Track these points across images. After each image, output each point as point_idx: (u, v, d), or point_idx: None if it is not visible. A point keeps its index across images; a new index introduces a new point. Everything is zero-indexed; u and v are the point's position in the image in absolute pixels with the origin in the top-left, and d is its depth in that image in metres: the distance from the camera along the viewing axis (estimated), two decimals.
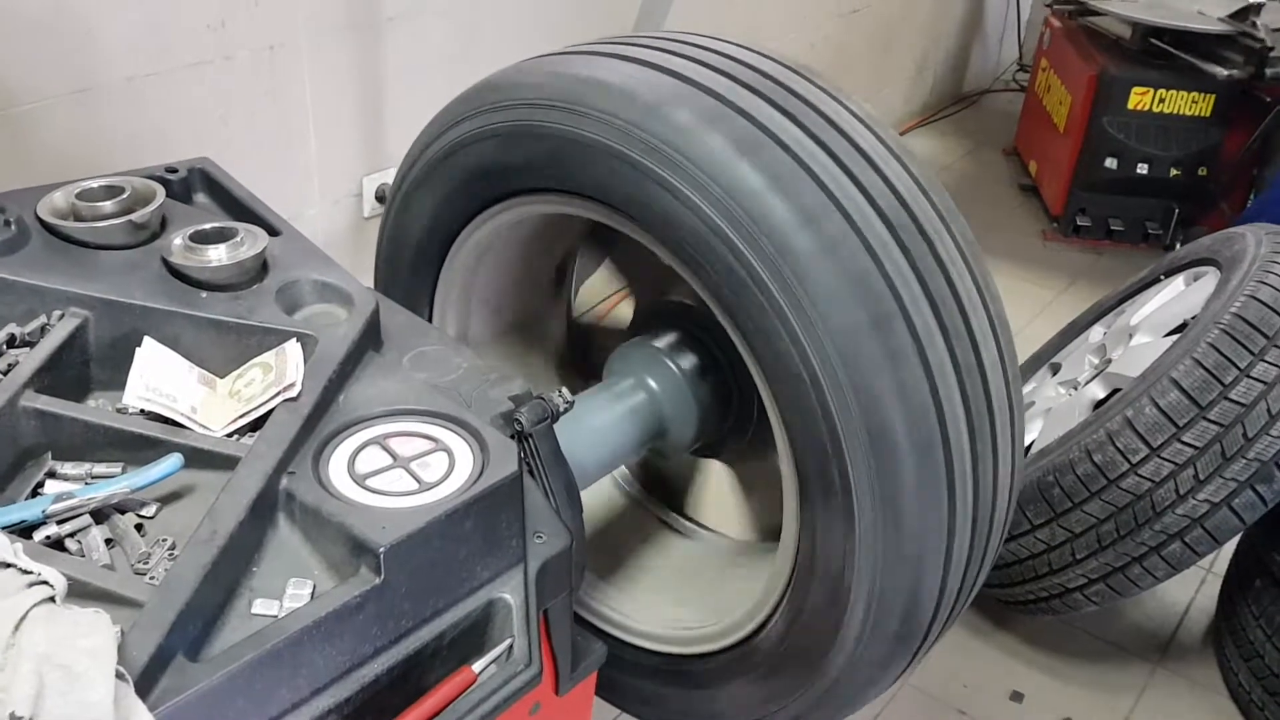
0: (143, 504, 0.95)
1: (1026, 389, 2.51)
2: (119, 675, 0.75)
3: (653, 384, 1.35)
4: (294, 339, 1.09)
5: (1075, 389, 2.30)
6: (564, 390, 1.13)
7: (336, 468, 1.01)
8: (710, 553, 1.52)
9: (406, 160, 1.39)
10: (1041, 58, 4.36)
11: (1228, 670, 2.18)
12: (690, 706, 1.36)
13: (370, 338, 1.16)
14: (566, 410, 1.13)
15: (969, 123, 5.10)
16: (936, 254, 1.14)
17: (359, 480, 0.99)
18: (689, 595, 1.43)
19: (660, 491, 1.63)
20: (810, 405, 1.08)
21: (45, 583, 0.76)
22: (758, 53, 1.25)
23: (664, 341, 1.37)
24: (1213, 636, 2.31)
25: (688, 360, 1.36)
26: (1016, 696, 2.19)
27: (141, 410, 1.03)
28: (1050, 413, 2.28)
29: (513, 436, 1.10)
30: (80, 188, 1.17)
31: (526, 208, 1.30)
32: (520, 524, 1.03)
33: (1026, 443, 2.28)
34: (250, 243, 1.15)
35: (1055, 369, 2.50)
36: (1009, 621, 2.35)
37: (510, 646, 0.99)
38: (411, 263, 1.42)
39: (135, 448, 0.99)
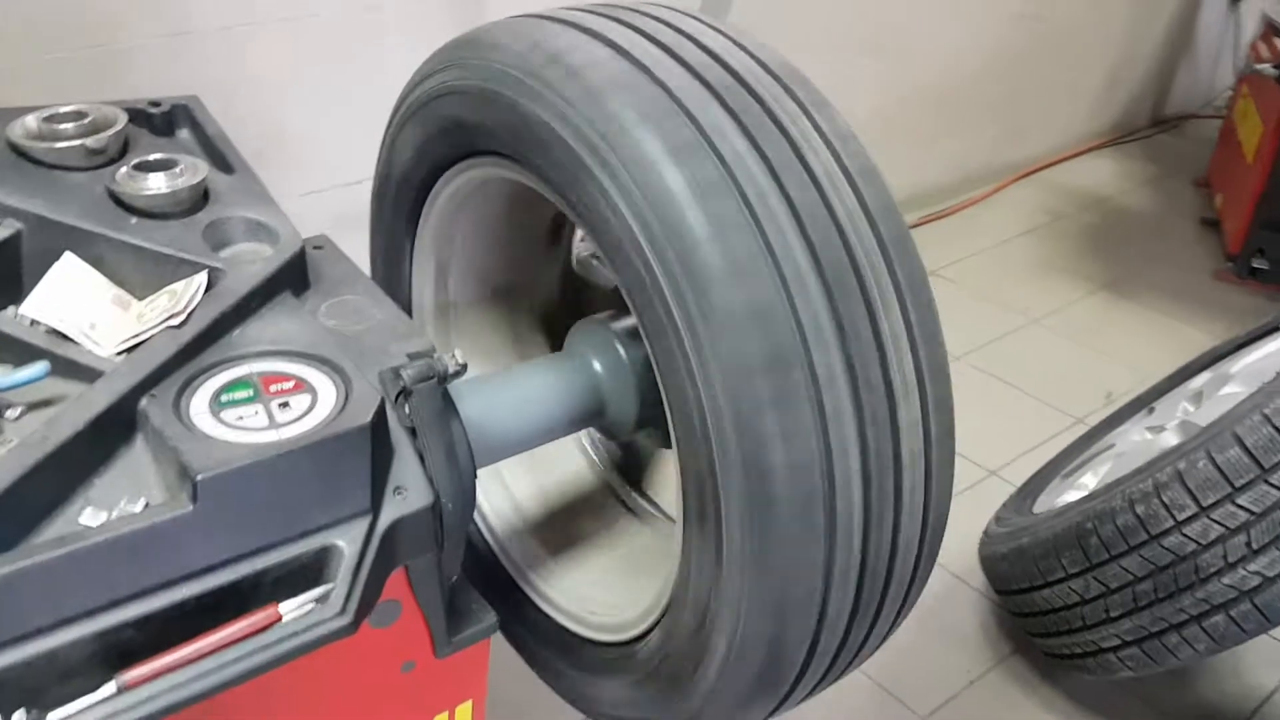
0: (9, 405, 1.01)
1: (1116, 430, 2.33)
2: None
3: (595, 363, 1.31)
4: (203, 271, 1.13)
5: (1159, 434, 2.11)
6: (457, 353, 1.12)
7: (201, 397, 1.03)
8: (658, 541, 1.48)
9: (393, 108, 1.41)
10: (1243, 83, 4.02)
11: None
12: (579, 690, 1.34)
13: (288, 280, 1.18)
14: (457, 373, 1.12)
15: (1163, 148, 4.76)
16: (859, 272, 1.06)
17: (215, 411, 1.01)
18: (613, 580, 1.41)
19: (634, 473, 1.60)
20: (691, 425, 1.04)
21: None
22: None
23: (620, 323, 1.34)
24: None
25: (636, 343, 1.32)
26: None
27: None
28: (1121, 456, 2.10)
29: (399, 394, 1.10)
30: (50, 112, 1.24)
31: (483, 169, 1.30)
32: (370, 475, 1.03)
33: (1093, 485, 2.12)
34: (188, 175, 1.19)
35: (1151, 412, 2.31)
36: (1057, 676, 2.19)
37: (328, 593, 0.99)
38: (392, 213, 1.45)
39: (22, 353, 1.05)
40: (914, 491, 1.07)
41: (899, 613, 1.19)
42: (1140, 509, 1.73)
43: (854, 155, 1.11)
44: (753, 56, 1.16)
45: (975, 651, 2.26)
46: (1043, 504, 2.19)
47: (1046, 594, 1.91)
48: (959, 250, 3.93)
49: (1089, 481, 2.13)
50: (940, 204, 4.19)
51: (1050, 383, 3.20)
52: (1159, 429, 2.12)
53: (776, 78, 1.13)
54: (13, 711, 0.84)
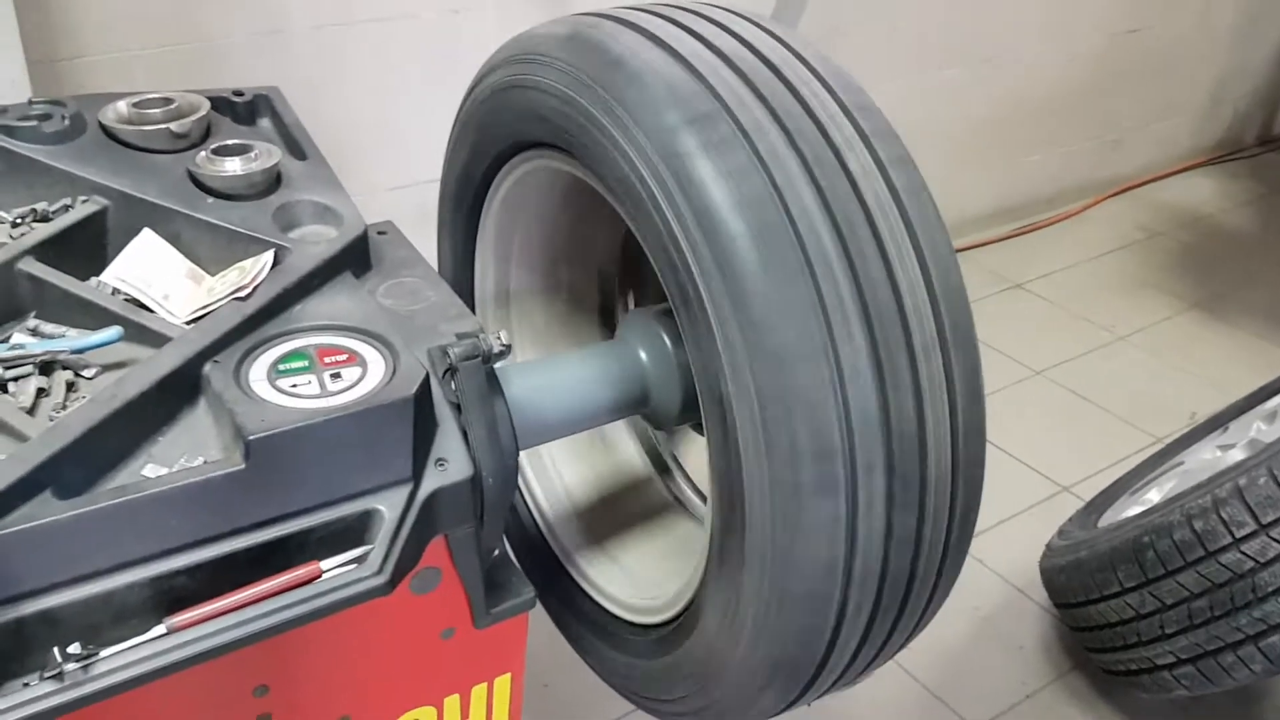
0: (86, 366, 1.09)
1: (1190, 449, 2.28)
2: None
3: (641, 352, 1.35)
4: (271, 249, 1.20)
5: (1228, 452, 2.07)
6: (502, 334, 1.18)
7: (260, 365, 1.10)
8: (698, 530, 1.51)
9: (462, 98, 1.47)
10: None
11: None
12: (617, 671, 1.38)
13: (350, 260, 1.24)
14: (501, 353, 1.17)
15: (1269, 168, 4.62)
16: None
17: (272, 379, 1.08)
18: (654, 566, 1.45)
19: (682, 463, 1.64)
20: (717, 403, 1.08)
21: None
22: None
23: (669, 313, 1.38)
24: None
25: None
26: None
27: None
28: (1187, 474, 2.07)
29: (446, 371, 1.16)
30: (140, 98, 1.33)
31: (543, 161, 1.35)
32: (412, 445, 1.08)
33: (1156, 500, 2.09)
34: (262, 160, 1.27)
35: (1225, 431, 2.26)
36: (1115, 694, 2.16)
37: (367, 554, 1.05)
38: (457, 200, 1.51)
39: (102, 318, 1.13)
40: (939, 463, 1.09)
41: (933, 592, 1.19)
42: (1198, 524, 1.71)
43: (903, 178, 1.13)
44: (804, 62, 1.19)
45: (1033, 665, 2.24)
46: (1108, 520, 2.16)
47: (1102, 608, 1.89)
48: (1049, 264, 3.88)
49: (1154, 497, 2.10)
50: (1032, 217, 4.13)
51: (1133, 401, 3.14)
52: (1229, 447, 2.08)
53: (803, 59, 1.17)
54: (69, 645, 0.91)
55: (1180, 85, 4.26)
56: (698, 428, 1.46)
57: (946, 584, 1.21)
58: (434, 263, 1.57)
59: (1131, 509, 2.11)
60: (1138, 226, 4.14)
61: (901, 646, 1.25)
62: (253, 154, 1.27)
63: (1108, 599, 1.87)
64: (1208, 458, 2.14)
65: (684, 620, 1.26)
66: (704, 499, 1.61)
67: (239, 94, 1.42)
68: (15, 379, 1.06)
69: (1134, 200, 4.34)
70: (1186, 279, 3.77)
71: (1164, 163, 4.44)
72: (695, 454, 1.63)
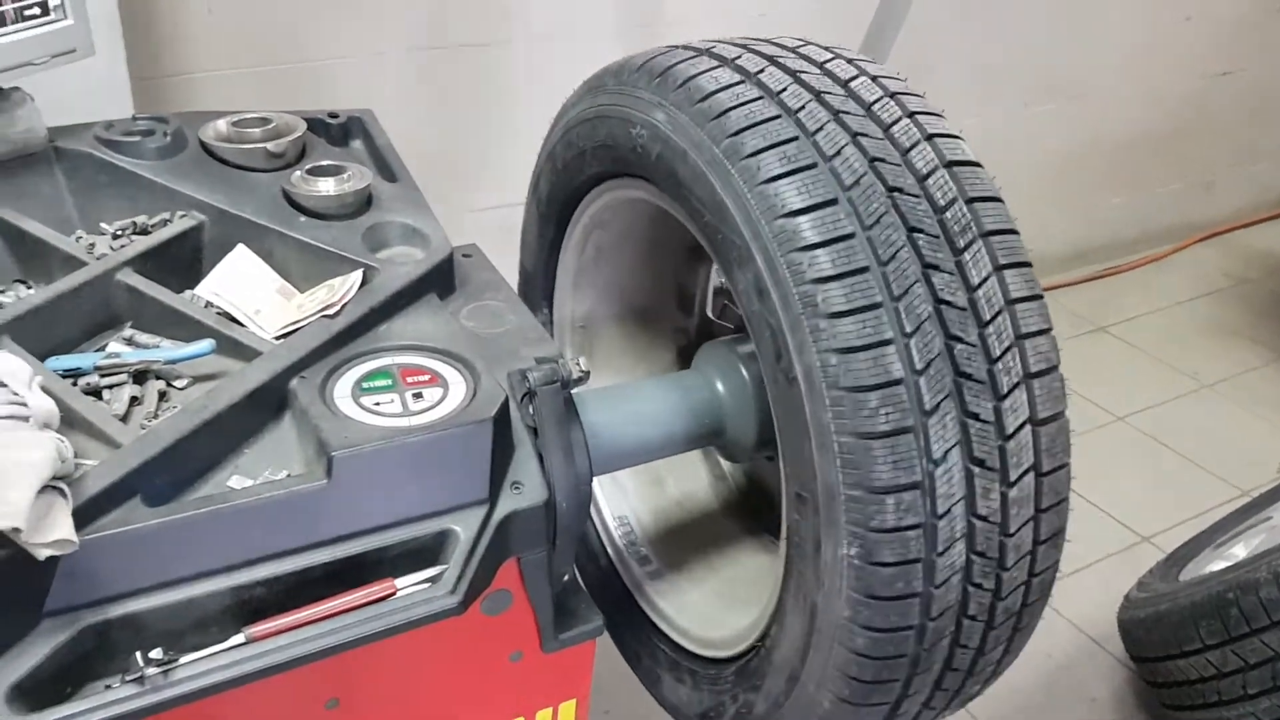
0: (178, 376, 1.12)
1: (1276, 504, 2.22)
2: (58, 490, 0.90)
3: (718, 384, 1.35)
4: (360, 269, 1.22)
5: None
6: (581, 360, 1.18)
7: (345, 382, 1.12)
8: (770, 565, 1.50)
9: (551, 124, 1.48)
10: None
11: None
12: (683, 703, 1.37)
13: (435, 282, 1.26)
14: (580, 379, 1.18)
15: None
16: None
17: (356, 396, 1.10)
18: (724, 599, 1.44)
19: (755, 496, 1.63)
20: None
21: (21, 404, 0.92)
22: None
23: (745, 346, 1.37)
24: None
25: (758, 366, 1.36)
26: None
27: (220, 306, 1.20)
28: (1275, 529, 2.01)
29: (525, 395, 1.17)
30: (239, 117, 1.37)
31: (627, 190, 1.36)
32: (490, 468, 1.09)
33: (1242, 555, 2.03)
34: (354, 181, 1.29)
35: None
36: None
37: (441, 574, 1.05)
38: (540, 225, 1.53)
39: (195, 331, 1.15)
40: (1021, 507, 1.08)
41: (1010, 639, 1.17)
42: None
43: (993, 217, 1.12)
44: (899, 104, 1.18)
45: (1106, 719, 2.18)
46: (1190, 573, 2.10)
47: (1183, 664, 1.84)
48: (1132, 308, 3.81)
49: (1239, 553, 2.04)
50: (1116, 259, 4.06)
51: (1217, 451, 3.05)
52: None
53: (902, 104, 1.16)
54: (151, 650, 0.93)
55: (1271, 129, 4.16)
56: (773, 460, 1.46)
57: (1022, 638, 1.18)
58: (515, 285, 1.59)
59: (1216, 563, 2.05)
60: (1224, 273, 4.05)
61: (975, 695, 1.22)
62: (345, 175, 1.30)
63: (1188, 655, 1.82)
64: None
65: (755, 654, 1.25)
66: (773, 531, 1.60)
67: (334, 115, 1.46)
68: (110, 386, 1.09)
69: (1220, 246, 4.24)
70: (1275, 328, 3.67)
71: (1255, 209, 4.33)
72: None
